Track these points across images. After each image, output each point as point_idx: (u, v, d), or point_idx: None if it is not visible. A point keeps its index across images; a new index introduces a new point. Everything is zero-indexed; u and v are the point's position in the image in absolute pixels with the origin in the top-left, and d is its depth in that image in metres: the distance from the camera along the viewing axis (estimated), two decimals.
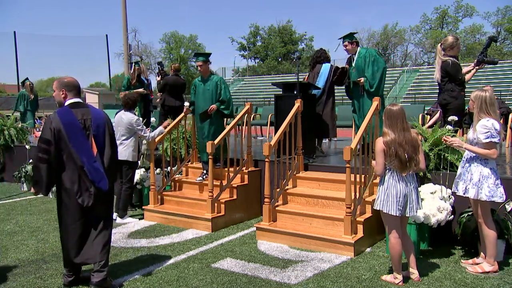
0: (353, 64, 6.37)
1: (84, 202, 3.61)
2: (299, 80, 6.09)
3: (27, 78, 11.90)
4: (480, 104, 3.94)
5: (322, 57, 6.94)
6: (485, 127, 3.87)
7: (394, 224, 3.87)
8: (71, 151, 3.57)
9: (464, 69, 5.81)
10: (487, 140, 3.85)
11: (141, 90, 8.60)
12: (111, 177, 3.79)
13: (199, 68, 6.29)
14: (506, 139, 8.13)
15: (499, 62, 35.19)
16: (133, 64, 8.91)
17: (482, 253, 4.23)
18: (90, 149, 3.62)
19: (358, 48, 6.40)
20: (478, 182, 3.93)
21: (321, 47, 7.37)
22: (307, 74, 7.27)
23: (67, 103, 3.72)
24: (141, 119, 6.16)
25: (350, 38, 6.36)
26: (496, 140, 3.86)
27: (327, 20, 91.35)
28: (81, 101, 3.79)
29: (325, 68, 6.81)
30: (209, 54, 6.32)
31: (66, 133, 3.56)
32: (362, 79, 6.17)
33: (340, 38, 6.41)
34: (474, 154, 4.00)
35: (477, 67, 5.84)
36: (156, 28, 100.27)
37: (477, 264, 4.19)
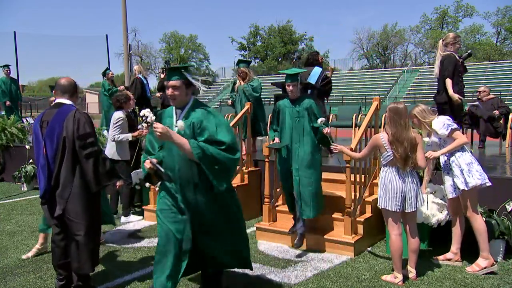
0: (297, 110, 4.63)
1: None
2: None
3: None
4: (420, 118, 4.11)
5: (312, 59, 6.40)
6: (439, 122, 4.04)
7: (394, 220, 3.89)
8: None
9: None
10: (449, 130, 3.98)
11: None
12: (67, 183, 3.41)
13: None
14: (506, 139, 8.14)
15: (498, 61, 35.32)
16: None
17: (452, 248, 4.30)
18: (42, 153, 3.46)
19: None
20: (469, 171, 3.98)
21: (317, 49, 7.23)
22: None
23: (53, 103, 3.72)
24: (125, 119, 5.89)
25: (295, 77, 4.61)
26: (455, 125, 4.02)
27: (327, 20, 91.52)
28: (62, 101, 3.58)
29: (315, 71, 6.26)
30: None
31: (34, 133, 3.59)
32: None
33: (291, 76, 4.57)
34: (448, 154, 4.08)
35: None
36: (156, 28, 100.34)
37: (449, 259, 4.27)
